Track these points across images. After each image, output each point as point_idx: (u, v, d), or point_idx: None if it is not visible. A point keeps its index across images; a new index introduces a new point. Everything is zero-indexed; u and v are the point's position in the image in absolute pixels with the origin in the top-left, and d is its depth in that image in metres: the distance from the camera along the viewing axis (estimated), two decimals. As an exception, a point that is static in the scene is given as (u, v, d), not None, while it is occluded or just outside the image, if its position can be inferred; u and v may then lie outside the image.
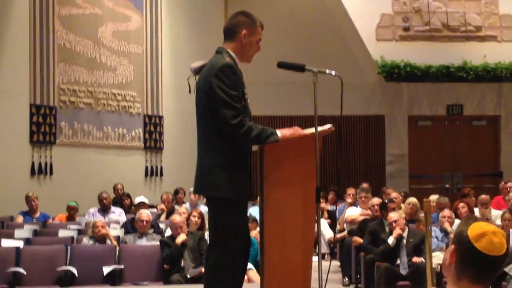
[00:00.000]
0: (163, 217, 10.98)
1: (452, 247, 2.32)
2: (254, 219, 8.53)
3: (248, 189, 4.23)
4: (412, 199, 9.94)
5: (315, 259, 4.54)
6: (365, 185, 12.05)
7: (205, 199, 8.56)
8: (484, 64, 16.68)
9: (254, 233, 7.78)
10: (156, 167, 14.64)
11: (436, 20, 17.25)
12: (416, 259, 7.89)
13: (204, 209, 9.52)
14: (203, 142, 4.24)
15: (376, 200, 9.75)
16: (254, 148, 4.26)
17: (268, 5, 16.18)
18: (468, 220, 2.35)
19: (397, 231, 8.11)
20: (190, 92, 4.44)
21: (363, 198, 10.57)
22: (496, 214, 10.07)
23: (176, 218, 8.23)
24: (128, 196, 12.24)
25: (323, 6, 16.66)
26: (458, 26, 17.26)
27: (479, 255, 2.26)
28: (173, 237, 7.98)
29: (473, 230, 2.29)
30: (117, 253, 8.07)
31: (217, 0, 16.65)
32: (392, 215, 8.33)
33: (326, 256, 11.18)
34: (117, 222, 10.36)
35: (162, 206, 11.50)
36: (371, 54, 16.67)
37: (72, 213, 11.06)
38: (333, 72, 4.33)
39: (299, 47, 15.82)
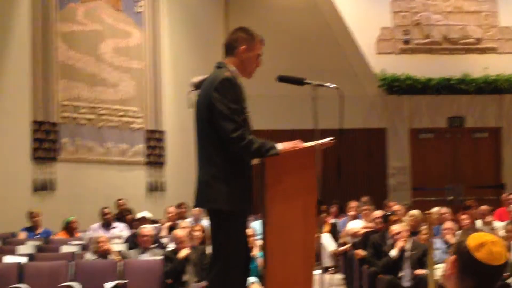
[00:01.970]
0: (164, 231, 10.97)
1: (452, 257, 2.33)
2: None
3: (248, 201, 4.24)
4: (414, 211, 9.90)
5: (317, 272, 4.54)
6: (367, 198, 12.03)
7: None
8: (484, 76, 16.72)
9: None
10: (159, 182, 14.64)
11: (436, 33, 17.31)
12: (419, 271, 7.86)
13: (206, 223, 9.50)
14: (202, 156, 4.26)
15: (378, 213, 9.73)
16: (255, 161, 4.27)
17: (268, 20, 16.26)
18: (468, 230, 2.35)
19: (399, 244, 8.08)
20: (190, 107, 4.45)
21: (365, 211, 10.57)
22: (499, 225, 10.05)
23: (179, 232, 8.24)
24: (130, 211, 12.22)
25: (323, 20, 16.73)
26: (458, 38, 17.32)
27: (478, 265, 2.26)
28: (176, 252, 7.98)
29: (473, 240, 2.29)
30: (119, 268, 8.07)
31: (218, 15, 16.74)
32: (395, 227, 8.31)
33: (330, 269, 11.13)
34: (119, 237, 10.36)
35: (167, 219, 11.47)
36: (371, 67, 16.72)
37: (72, 226, 11.03)
38: (332, 85, 4.35)
39: (300, 61, 15.89)
